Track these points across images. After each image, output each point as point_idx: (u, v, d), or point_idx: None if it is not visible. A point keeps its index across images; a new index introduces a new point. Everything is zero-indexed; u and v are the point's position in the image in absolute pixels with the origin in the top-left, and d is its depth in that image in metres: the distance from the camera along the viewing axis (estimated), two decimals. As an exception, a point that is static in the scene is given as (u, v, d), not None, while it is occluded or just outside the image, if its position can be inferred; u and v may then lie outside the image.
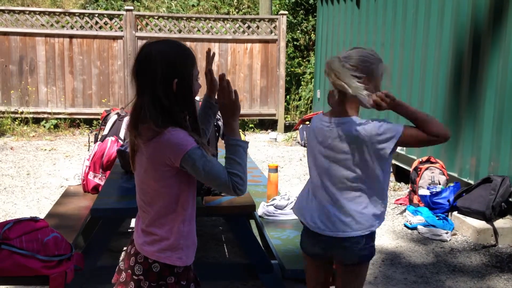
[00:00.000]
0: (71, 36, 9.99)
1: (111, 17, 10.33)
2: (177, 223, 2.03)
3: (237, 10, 14.03)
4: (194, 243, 2.13)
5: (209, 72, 2.28)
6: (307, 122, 9.48)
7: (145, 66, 1.97)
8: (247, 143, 2.06)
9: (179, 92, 1.97)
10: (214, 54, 2.35)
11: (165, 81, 1.95)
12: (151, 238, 2.04)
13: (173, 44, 2.01)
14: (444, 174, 5.73)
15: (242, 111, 10.55)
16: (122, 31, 10.10)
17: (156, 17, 10.45)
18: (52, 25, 10.01)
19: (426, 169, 5.72)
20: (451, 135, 2.31)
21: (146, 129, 1.95)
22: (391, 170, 6.31)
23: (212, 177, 1.95)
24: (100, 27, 10.17)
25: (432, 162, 5.85)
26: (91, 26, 10.08)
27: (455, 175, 5.88)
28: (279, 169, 5.10)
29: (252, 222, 4.24)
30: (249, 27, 10.51)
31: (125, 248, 2.20)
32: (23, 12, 10.07)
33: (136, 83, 2.00)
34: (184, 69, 1.99)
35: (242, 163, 1.99)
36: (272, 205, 4.02)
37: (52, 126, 9.97)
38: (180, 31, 10.34)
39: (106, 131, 6.66)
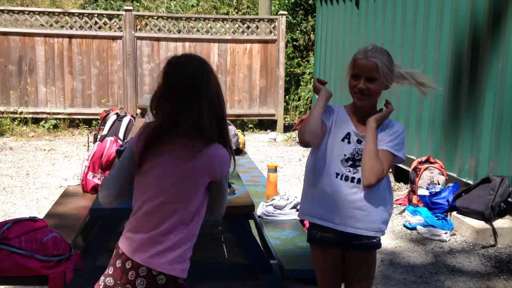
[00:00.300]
0: (70, 36, 9.98)
1: (110, 17, 10.32)
2: (189, 235, 2.05)
3: (236, 10, 14.02)
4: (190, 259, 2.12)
5: None
6: (306, 122, 9.47)
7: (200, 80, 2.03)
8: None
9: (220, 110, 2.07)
10: None
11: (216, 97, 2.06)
12: (158, 249, 2.00)
13: (205, 62, 2.09)
14: (443, 174, 5.73)
15: (241, 112, 10.56)
16: (121, 31, 10.10)
17: (155, 17, 10.45)
18: (51, 25, 10.01)
19: (425, 169, 5.73)
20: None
21: (196, 139, 1.99)
22: (390, 170, 6.30)
23: (223, 201, 2.14)
24: (100, 27, 10.17)
25: (431, 162, 5.85)
26: (91, 26, 10.08)
27: (454, 175, 5.88)
28: (278, 169, 5.11)
29: (251, 222, 4.24)
30: (248, 27, 10.51)
31: (111, 262, 2.13)
32: (22, 12, 10.06)
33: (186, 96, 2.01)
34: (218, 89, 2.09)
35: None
36: (271, 205, 4.02)
37: (51, 126, 9.96)
38: (179, 31, 10.33)
39: (105, 131, 6.66)
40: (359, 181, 2.43)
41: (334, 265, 2.57)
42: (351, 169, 2.44)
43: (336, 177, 2.44)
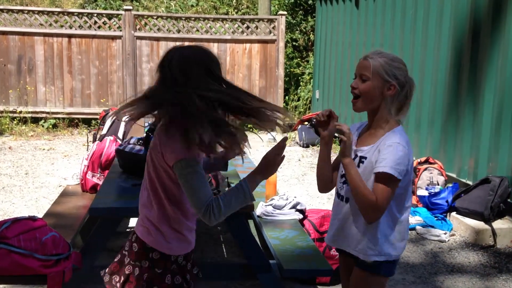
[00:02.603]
0: (69, 36, 9.98)
1: (109, 16, 10.32)
2: (171, 220, 2.11)
3: (236, 10, 14.02)
4: (188, 239, 2.17)
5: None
6: (306, 123, 9.47)
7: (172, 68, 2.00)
8: (253, 200, 2.08)
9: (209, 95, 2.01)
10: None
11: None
12: (144, 221, 2.14)
13: (199, 48, 2.07)
14: (442, 175, 5.73)
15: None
16: (120, 31, 10.09)
17: (155, 17, 10.44)
18: (50, 24, 10.00)
19: (425, 169, 5.73)
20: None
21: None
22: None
23: (192, 191, 1.98)
24: (99, 27, 10.16)
25: (430, 163, 5.85)
26: (90, 26, 10.07)
27: (454, 175, 5.88)
28: (277, 169, 5.10)
29: (251, 222, 4.24)
30: (248, 27, 10.51)
31: None
32: (22, 11, 10.05)
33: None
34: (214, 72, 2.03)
35: (232, 206, 2.01)
36: (270, 205, 4.01)
37: (50, 126, 9.96)
38: (179, 31, 10.33)
39: (104, 131, 6.66)
40: (346, 199, 2.35)
41: (348, 272, 2.50)
42: (343, 186, 2.38)
43: (336, 193, 2.44)
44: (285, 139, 2.11)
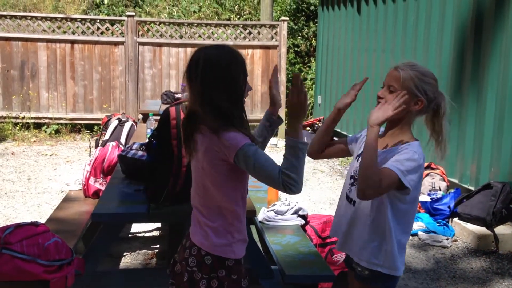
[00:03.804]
0: (72, 42, 10.00)
1: (112, 22, 10.35)
2: (229, 218, 2.13)
3: (238, 16, 14.06)
4: (246, 239, 2.22)
5: (273, 87, 2.31)
6: (308, 128, 9.48)
7: (197, 70, 2.06)
8: (306, 144, 2.07)
9: (232, 95, 2.07)
10: (276, 67, 2.38)
11: (219, 85, 2.05)
12: (204, 231, 2.13)
13: (223, 49, 2.11)
14: (444, 180, 5.73)
15: (243, 117, 10.57)
16: (123, 36, 10.12)
17: (157, 23, 10.47)
18: (53, 30, 10.04)
19: (427, 175, 5.72)
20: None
21: (204, 129, 2.07)
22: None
23: (263, 174, 2.01)
24: (102, 33, 10.19)
25: (432, 168, 5.85)
26: (93, 32, 10.10)
27: (456, 181, 5.88)
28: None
29: (253, 228, 4.24)
30: (250, 33, 10.54)
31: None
32: (25, 17, 10.09)
33: (190, 87, 2.09)
34: (235, 73, 2.08)
35: (299, 165, 2.00)
36: (272, 210, 4.02)
37: (53, 131, 9.97)
38: (181, 37, 10.36)
39: (107, 136, 6.68)
40: (353, 202, 2.31)
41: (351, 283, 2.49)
42: (351, 188, 2.34)
43: (344, 195, 2.39)
44: (297, 76, 2.07)
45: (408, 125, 2.29)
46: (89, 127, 10.28)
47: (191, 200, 2.23)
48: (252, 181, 4.95)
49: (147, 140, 3.92)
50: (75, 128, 10.28)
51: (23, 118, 9.85)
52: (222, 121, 2.03)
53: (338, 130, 9.24)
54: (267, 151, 9.14)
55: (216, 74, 2.05)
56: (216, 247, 2.12)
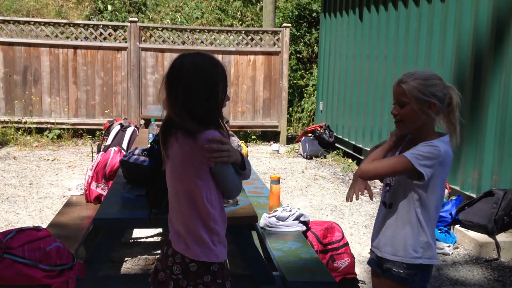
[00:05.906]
0: (75, 47, 10.04)
1: (115, 28, 10.40)
2: (208, 222, 2.14)
3: (240, 23, 14.10)
4: (225, 241, 2.24)
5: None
6: (310, 134, 9.49)
7: (179, 76, 2.10)
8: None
9: (211, 103, 2.11)
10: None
11: (198, 92, 2.09)
12: (185, 239, 2.14)
13: (205, 57, 2.14)
14: (446, 187, 5.73)
15: (245, 123, 10.59)
16: (126, 42, 10.16)
17: (160, 29, 10.51)
18: (56, 35, 10.08)
19: (428, 182, 5.72)
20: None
21: (182, 134, 2.10)
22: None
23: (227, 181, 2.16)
24: (105, 38, 10.23)
25: (434, 175, 5.84)
26: (96, 37, 10.14)
27: (457, 188, 5.87)
28: (281, 181, 5.11)
29: (254, 234, 4.24)
30: (252, 39, 10.56)
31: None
32: (28, 22, 10.13)
33: (168, 93, 2.12)
34: (216, 81, 2.12)
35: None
36: (274, 216, 4.02)
37: (55, 136, 9.99)
38: (183, 43, 10.39)
39: (109, 142, 6.70)
40: (389, 205, 2.47)
41: (375, 285, 2.60)
42: (386, 194, 2.51)
43: (381, 202, 2.56)
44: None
45: (431, 128, 2.40)
46: (91, 132, 10.31)
47: (169, 208, 2.25)
48: (253, 187, 4.96)
49: (149, 145, 3.93)
50: (77, 133, 10.30)
51: (25, 123, 9.88)
52: (198, 125, 2.08)
53: (340, 136, 9.24)
54: (269, 157, 9.12)
55: (197, 81, 2.07)
56: (199, 253, 2.13)
